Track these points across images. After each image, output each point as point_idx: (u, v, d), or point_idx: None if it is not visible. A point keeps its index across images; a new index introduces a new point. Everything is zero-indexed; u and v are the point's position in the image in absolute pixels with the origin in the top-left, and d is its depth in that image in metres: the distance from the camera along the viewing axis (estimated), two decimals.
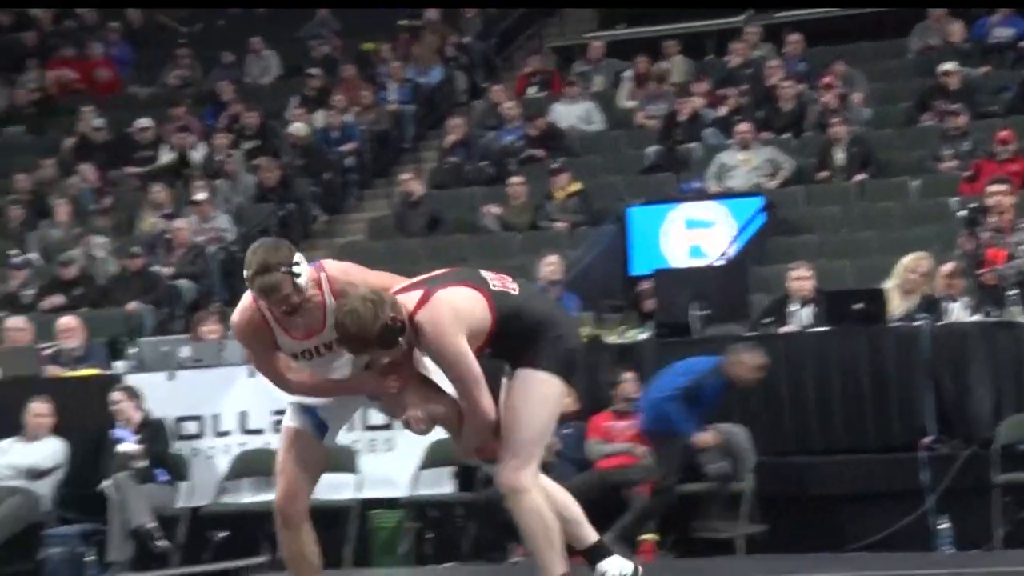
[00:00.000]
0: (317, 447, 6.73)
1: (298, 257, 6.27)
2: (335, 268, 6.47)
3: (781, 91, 17.94)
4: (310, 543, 6.89)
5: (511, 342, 6.36)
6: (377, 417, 12.33)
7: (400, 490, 12.21)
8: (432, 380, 6.51)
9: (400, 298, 6.30)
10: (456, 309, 6.27)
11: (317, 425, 6.70)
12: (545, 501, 6.40)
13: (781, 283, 13.11)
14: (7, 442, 12.41)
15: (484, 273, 6.55)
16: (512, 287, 6.50)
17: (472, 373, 6.28)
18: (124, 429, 12.30)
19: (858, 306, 11.89)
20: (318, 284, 6.38)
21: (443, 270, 6.59)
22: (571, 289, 14.09)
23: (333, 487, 12.29)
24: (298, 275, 6.26)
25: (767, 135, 17.51)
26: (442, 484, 12.22)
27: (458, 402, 6.46)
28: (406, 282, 6.52)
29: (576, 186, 17.04)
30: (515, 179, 17.35)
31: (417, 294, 6.30)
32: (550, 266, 13.91)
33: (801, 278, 12.55)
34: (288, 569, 6.91)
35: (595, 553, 6.59)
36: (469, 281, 6.40)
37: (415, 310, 6.26)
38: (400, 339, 6.27)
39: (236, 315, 6.52)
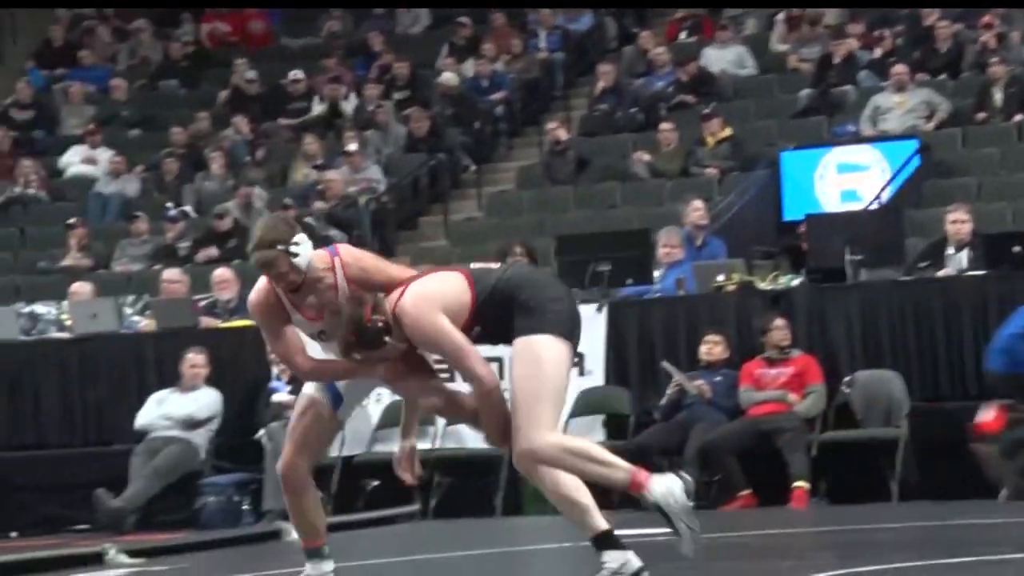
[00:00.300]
0: (330, 418, 6.77)
1: (299, 237, 6.37)
2: (349, 254, 6.49)
3: (938, 31, 17.59)
4: (315, 507, 6.94)
5: (501, 313, 6.21)
6: None
7: None
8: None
9: (387, 297, 6.28)
10: (426, 291, 6.23)
11: (334, 396, 6.73)
12: (560, 440, 6.20)
13: (937, 227, 12.89)
14: (164, 392, 12.59)
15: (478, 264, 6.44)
16: (495, 265, 6.42)
17: (457, 343, 6.18)
18: (279, 379, 12.42)
19: (1016, 249, 11.67)
20: (331, 267, 6.43)
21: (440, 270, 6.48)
22: (718, 235, 13.97)
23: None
24: (295, 255, 6.36)
25: (923, 76, 17.18)
26: (593, 432, 12.18)
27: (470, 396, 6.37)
28: (415, 273, 6.52)
29: (727, 131, 16.86)
30: (665, 125, 17.21)
31: (398, 291, 6.29)
32: (696, 211, 13.79)
33: (958, 221, 12.32)
34: (295, 531, 6.94)
35: (602, 541, 6.38)
36: (449, 268, 6.36)
37: (394, 307, 6.24)
38: (387, 338, 6.25)
39: (252, 294, 6.64)
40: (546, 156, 17.87)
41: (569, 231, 15.15)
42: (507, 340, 6.27)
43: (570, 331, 6.27)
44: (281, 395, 12.29)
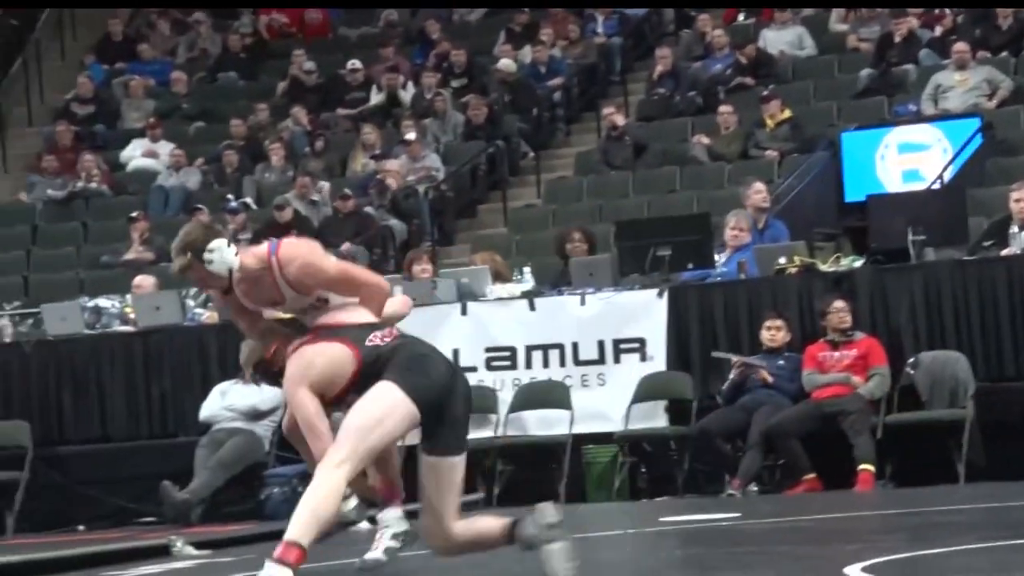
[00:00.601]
0: None
1: (215, 243, 6.53)
2: (287, 253, 6.57)
3: (999, 8, 17.41)
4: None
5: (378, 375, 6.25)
6: (589, 352, 12.32)
7: (613, 425, 12.17)
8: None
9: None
10: (308, 363, 6.33)
11: None
12: (344, 475, 6.08)
13: (1000, 205, 12.76)
14: (227, 384, 12.62)
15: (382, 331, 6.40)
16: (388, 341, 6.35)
17: (307, 420, 6.48)
18: None
19: None
20: (268, 266, 6.54)
21: (360, 320, 6.51)
22: (779, 217, 13.88)
23: (547, 423, 12.35)
24: (209, 261, 6.54)
25: (984, 54, 17.03)
26: (655, 418, 12.15)
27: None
28: (359, 272, 6.75)
29: (787, 113, 16.77)
30: (724, 108, 17.13)
31: (296, 343, 6.43)
32: (758, 194, 13.71)
33: (1022, 200, 12.20)
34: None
35: (514, 525, 6.23)
36: (346, 337, 6.33)
37: (291, 349, 6.43)
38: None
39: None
40: (604, 142, 17.82)
41: (628, 216, 15.10)
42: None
43: (424, 396, 6.14)
44: None
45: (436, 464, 6.19)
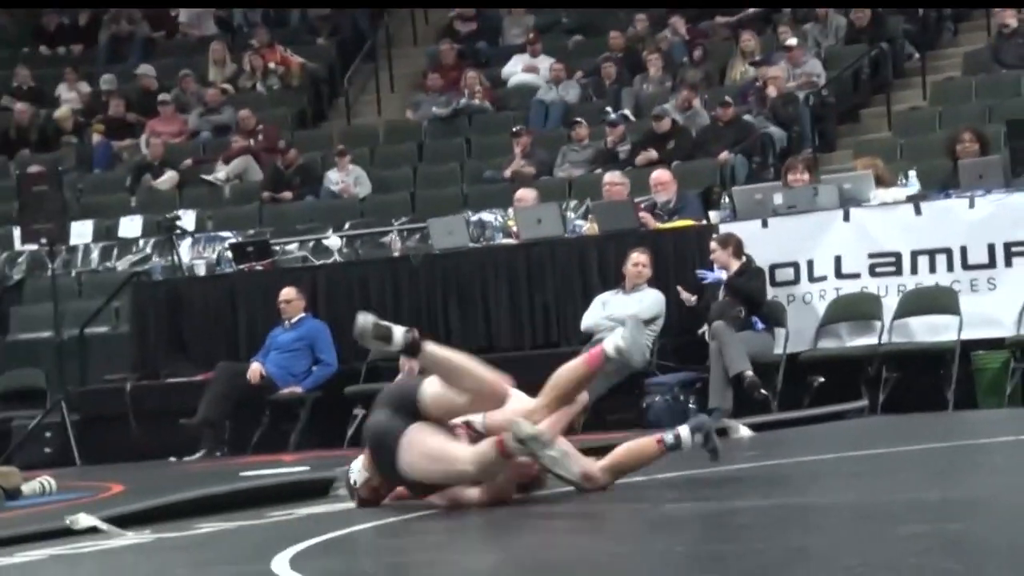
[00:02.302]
0: None
1: (338, 477, 7.82)
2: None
3: None
4: None
5: None
6: (979, 255, 11.92)
7: (1005, 330, 11.76)
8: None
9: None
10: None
11: None
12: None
13: None
14: (608, 294, 12.67)
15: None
16: None
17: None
18: (711, 270, 12.37)
19: None
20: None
21: None
22: None
23: (934, 329, 12.01)
24: (354, 483, 7.49)
25: None
26: None
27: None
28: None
29: None
30: None
31: None
32: None
33: None
34: None
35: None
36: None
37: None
38: None
39: None
40: (995, 40, 17.15)
41: (1020, 116, 14.50)
42: None
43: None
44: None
45: None
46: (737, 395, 11.83)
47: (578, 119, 17.59)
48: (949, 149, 13.22)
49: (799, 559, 5.04)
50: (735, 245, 12.31)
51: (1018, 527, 5.49)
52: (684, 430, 7.15)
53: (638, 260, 12.52)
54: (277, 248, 15.82)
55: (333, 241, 15.71)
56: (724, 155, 16.14)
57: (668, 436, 7.17)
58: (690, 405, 12.05)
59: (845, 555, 4.98)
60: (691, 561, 5.26)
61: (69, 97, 21.30)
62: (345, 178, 18.07)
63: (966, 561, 4.63)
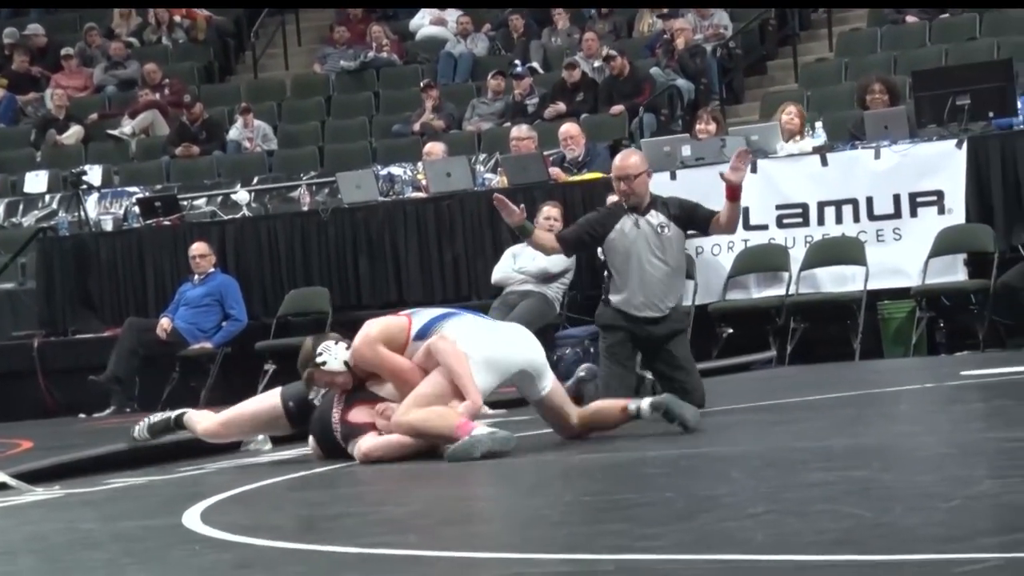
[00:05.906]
0: None
1: (322, 346, 7.44)
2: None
3: None
4: None
5: None
6: (885, 206, 12.02)
7: (910, 280, 11.88)
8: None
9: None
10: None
11: None
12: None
13: None
14: (518, 247, 12.64)
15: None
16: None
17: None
18: None
19: None
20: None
21: None
22: None
23: (841, 279, 12.12)
24: (323, 363, 7.43)
25: None
26: (954, 272, 11.83)
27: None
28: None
29: None
30: None
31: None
32: None
33: None
34: None
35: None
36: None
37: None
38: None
39: None
40: None
41: (926, 66, 14.63)
42: None
43: None
44: None
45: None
46: None
47: (498, 71, 17.48)
48: (859, 99, 13.30)
49: (707, 506, 5.09)
50: None
51: (922, 473, 5.56)
52: (645, 404, 7.50)
53: (549, 213, 12.52)
54: (185, 203, 15.72)
55: (241, 196, 15.63)
56: (617, 108, 16.14)
57: (631, 405, 7.56)
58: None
59: (753, 502, 5.03)
60: (599, 511, 5.30)
61: None
62: (250, 134, 17.96)
63: (872, 507, 4.69)
